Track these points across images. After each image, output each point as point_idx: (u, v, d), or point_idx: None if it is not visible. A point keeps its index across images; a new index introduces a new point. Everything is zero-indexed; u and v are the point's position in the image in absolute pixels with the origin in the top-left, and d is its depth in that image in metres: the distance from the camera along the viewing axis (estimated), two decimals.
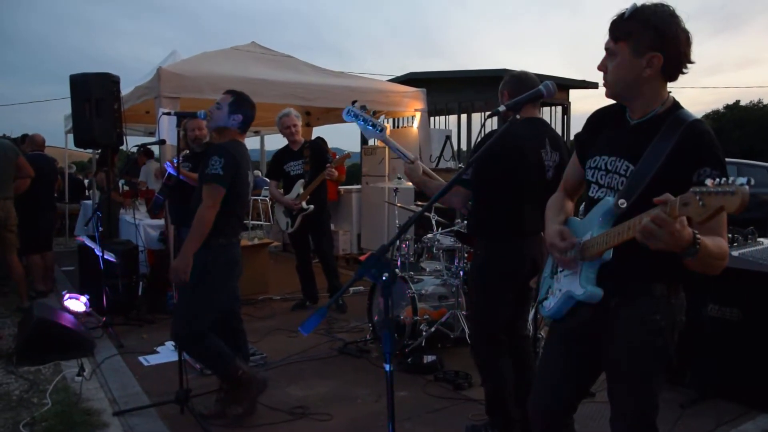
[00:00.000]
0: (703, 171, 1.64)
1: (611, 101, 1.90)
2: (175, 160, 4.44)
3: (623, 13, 1.73)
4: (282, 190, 5.64)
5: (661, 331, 1.79)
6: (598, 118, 1.97)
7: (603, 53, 1.82)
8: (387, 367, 1.65)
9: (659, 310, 1.78)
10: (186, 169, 4.80)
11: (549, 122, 3.18)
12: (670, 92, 1.82)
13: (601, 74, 1.86)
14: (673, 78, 1.78)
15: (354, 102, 2.79)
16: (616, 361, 1.86)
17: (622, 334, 1.83)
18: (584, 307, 1.84)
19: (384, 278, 1.63)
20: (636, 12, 1.71)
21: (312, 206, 5.41)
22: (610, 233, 1.69)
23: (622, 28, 1.73)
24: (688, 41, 1.72)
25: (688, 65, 1.75)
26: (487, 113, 3.04)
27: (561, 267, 1.95)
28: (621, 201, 1.72)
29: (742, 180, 1.31)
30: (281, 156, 5.63)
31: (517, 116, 1.96)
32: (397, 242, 4.59)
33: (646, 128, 1.77)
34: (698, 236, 1.49)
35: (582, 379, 2.02)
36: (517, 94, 2.81)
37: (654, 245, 1.49)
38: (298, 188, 5.44)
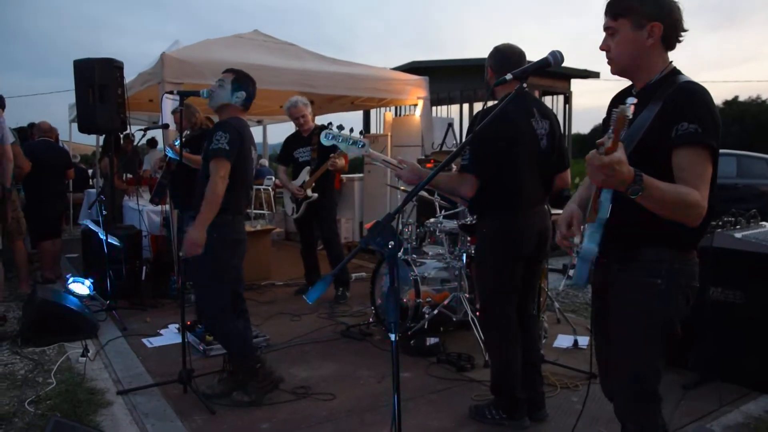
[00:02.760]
0: (681, 126, 1.68)
1: (618, 83, 1.99)
2: (176, 143, 4.42)
3: None
4: (291, 176, 5.64)
5: (659, 294, 1.81)
6: (614, 100, 2.04)
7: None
8: (392, 336, 1.63)
9: (659, 275, 1.81)
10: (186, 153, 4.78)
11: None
12: (671, 61, 1.88)
13: (603, 64, 1.95)
14: (672, 46, 1.87)
15: (329, 124, 2.83)
16: (612, 323, 1.92)
17: (619, 296, 1.89)
18: (598, 272, 1.88)
19: (389, 246, 1.64)
20: None
21: (316, 194, 5.37)
22: (588, 187, 1.85)
23: (623, 4, 1.84)
24: (679, 9, 1.85)
25: (683, 33, 1.86)
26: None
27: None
28: None
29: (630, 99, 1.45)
30: (291, 141, 5.64)
31: (524, 85, 1.95)
32: (400, 226, 4.58)
33: (642, 96, 1.83)
34: (641, 175, 1.54)
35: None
36: (500, 67, 2.81)
37: (601, 183, 1.59)
38: (304, 175, 5.42)
